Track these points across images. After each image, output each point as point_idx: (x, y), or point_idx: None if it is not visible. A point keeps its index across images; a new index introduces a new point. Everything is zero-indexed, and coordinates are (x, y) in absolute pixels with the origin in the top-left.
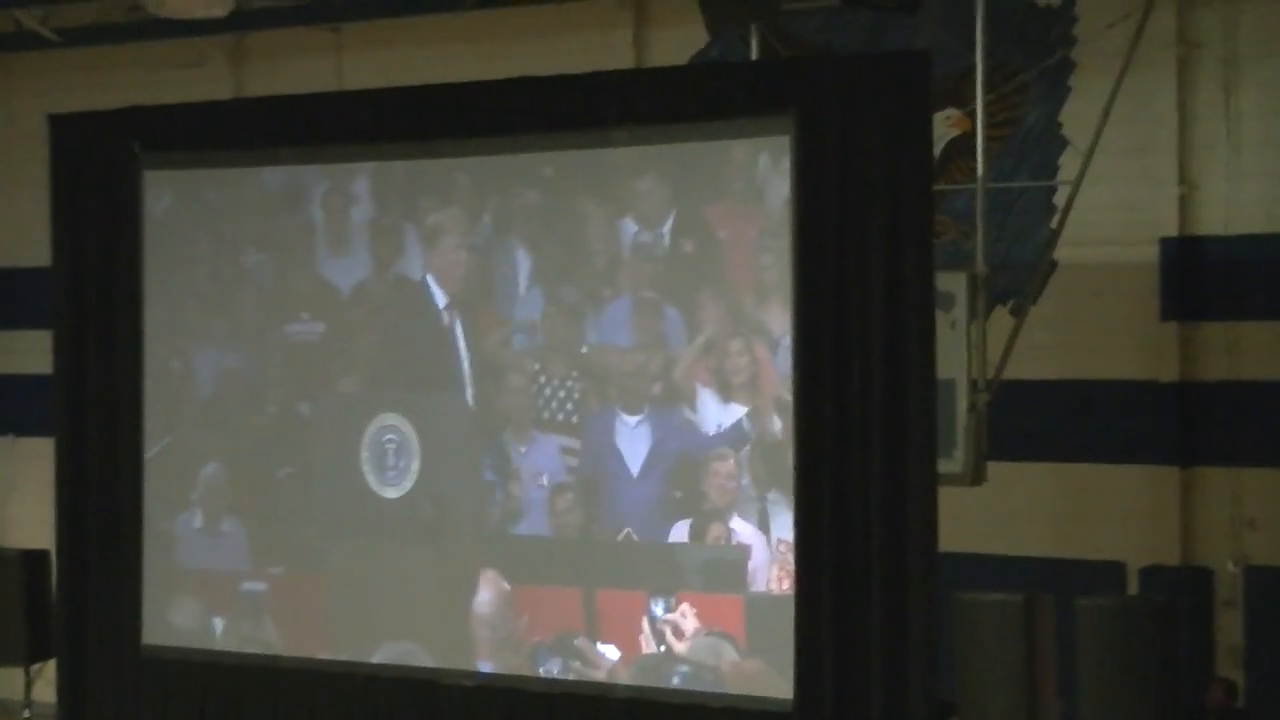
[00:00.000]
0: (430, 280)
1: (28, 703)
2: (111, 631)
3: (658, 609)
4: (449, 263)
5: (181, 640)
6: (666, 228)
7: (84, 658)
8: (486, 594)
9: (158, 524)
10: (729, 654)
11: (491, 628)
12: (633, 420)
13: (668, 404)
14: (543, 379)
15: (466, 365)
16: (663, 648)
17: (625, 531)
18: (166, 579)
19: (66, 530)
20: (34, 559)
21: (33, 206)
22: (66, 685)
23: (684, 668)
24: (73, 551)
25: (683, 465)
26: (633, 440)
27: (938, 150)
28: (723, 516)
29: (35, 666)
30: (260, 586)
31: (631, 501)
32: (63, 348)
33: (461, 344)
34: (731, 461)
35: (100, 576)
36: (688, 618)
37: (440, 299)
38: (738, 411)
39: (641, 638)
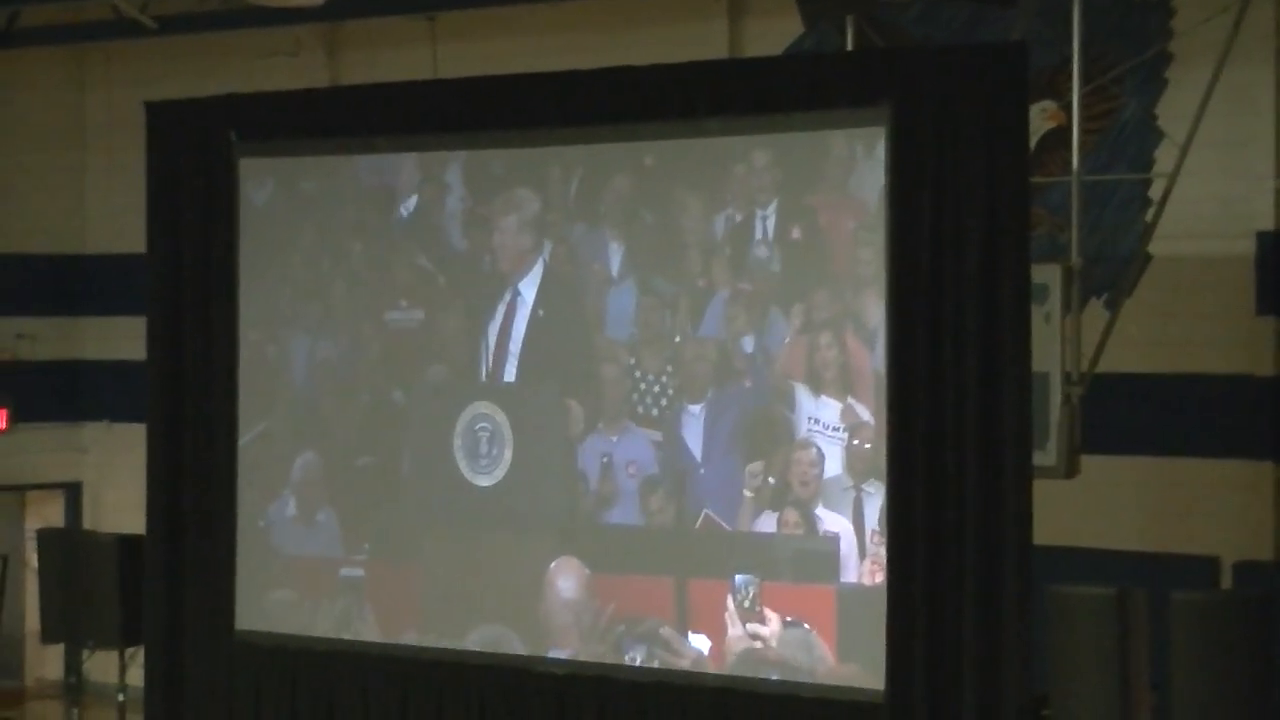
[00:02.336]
0: (523, 270)
1: (122, 686)
2: (205, 617)
3: (747, 599)
4: (543, 252)
5: (274, 626)
6: (762, 219)
7: (177, 643)
8: (575, 582)
9: (251, 510)
10: (819, 645)
11: (580, 616)
12: (726, 412)
13: (761, 395)
14: (637, 372)
15: (559, 355)
16: (753, 638)
17: (716, 522)
18: (260, 565)
19: (160, 516)
20: (128, 544)
21: (130, 194)
22: (158, 670)
23: (774, 658)
24: (166, 537)
25: (776, 456)
26: (725, 432)
27: (1033, 143)
28: (815, 507)
29: (130, 651)
30: (357, 573)
31: (722, 492)
32: (158, 334)
33: (554, 334)
34: (825, 452)
35: (194, 562)
36: (778, 608)
37: (533, 289)
38: (832, 403)
39: (731, 628)
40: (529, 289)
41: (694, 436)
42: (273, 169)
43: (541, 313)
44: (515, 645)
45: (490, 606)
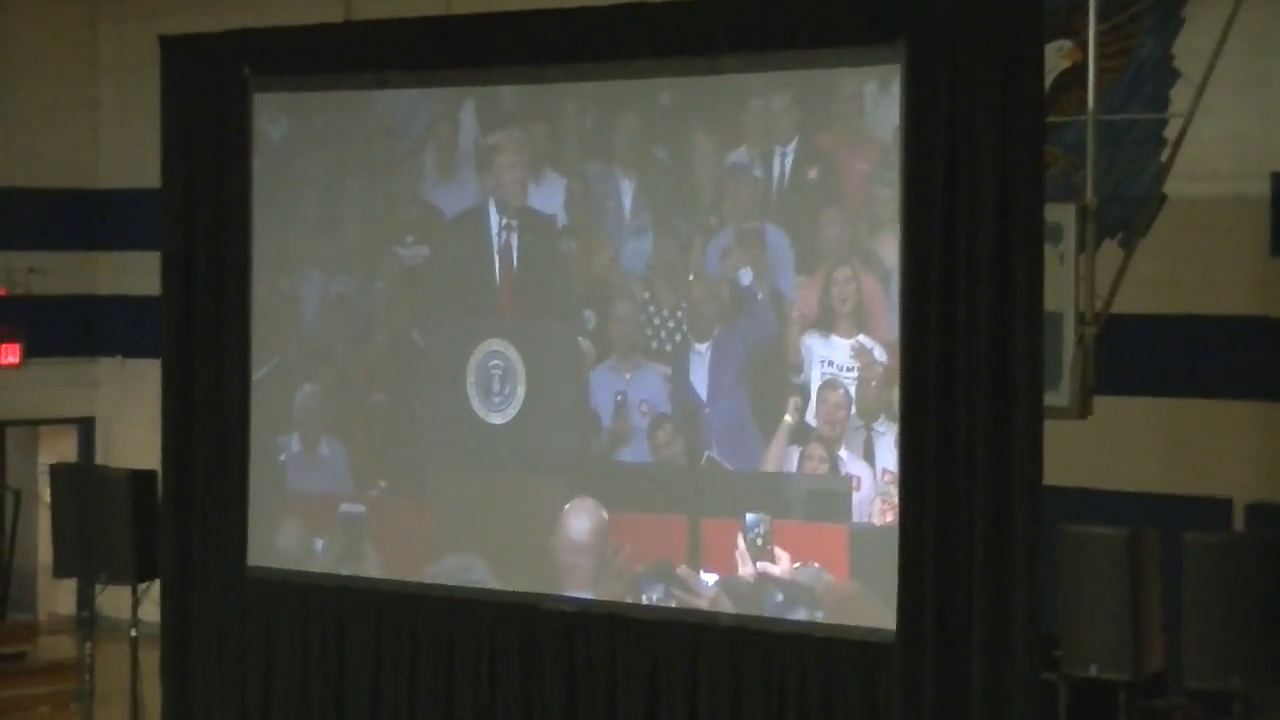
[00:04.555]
0: (536, 207)
1: (135, 621)
2: (218, 552)
3: (761, 538)
4: (556, 189)
5: (286, 562)
6: (780, 157)
7: (190, 578)
8: (588, 521)
9: (263, 446)
10: (831, 584)
11: (592, 555)
12: (739, 349)
13: (775, 333)
14: (651, 308)
15: (572, 292)
16: (766, 577)
17: (728, 461)
18: (272, 501)
19: (173, 451)
20: (141, 479)
21: (143, 128)
22: (171, 605)
23: (786, 597)
24: (179, 473)
25: (788, 394)
26: (738, 369)
27: (1049, 82)
28: (828, 446)
29: (142, 586)
30: (359, 509)
31: (735, 430)
32: (172, 269)
33: (567, 271)
34: (839, 391)
35: (207, 498)
36: (791, 547)
37: (546, 226)
38: (843, 342)
39: (744, 567)
40: (543, 226)
41: (700, 376)
42: (287, 104)
43: (555, 250)
44: (527, 583)
45: (501, 544)
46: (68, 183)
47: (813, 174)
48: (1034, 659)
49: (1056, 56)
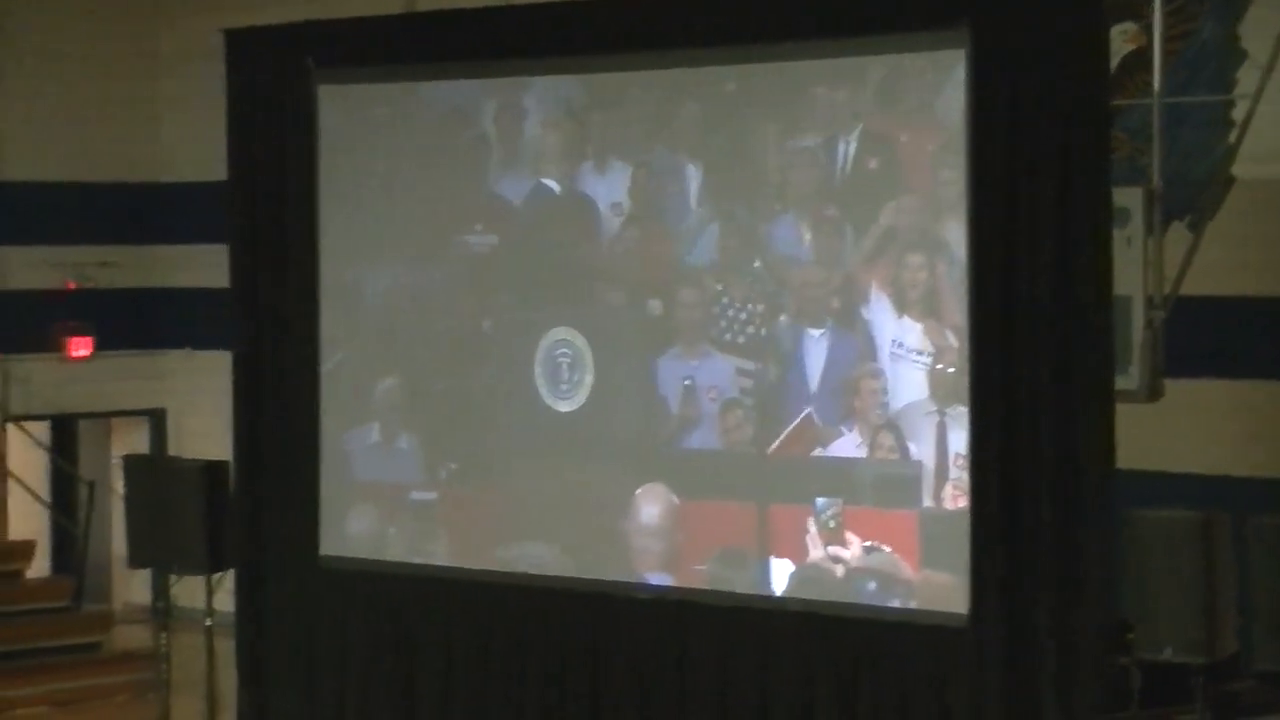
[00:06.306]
0: (601, 195)
1: (209, 611)
2: (290, 542)
3: (833, 520)
4: (620, 177)
5: (358, 551)
6: (844, 143)
7: (262, 568)
8: (657, 508)
9: (334, 436)
10: (902, 570)
11: (664, 539)
12: (807, 335)
13: (843, 319)
14: (718, 295)
15: (638, 280)
16: (834, 561)
17: (796, 445)
18: (343, 491)
19: (245, 442)
20: (214, 470)
21: (206, 121)
22: (245, 595)
23: (856, 583)
24: (251, 463)
25: (857, 379)
26: (807, 355)
27: (1113, 65)
28: (898, 431)
29: (216, 576)
30: (430, 496)
31: (805, 416)
32: (239, 261)
33: (632, 258)
34: (910, 376)
35: (278, 488)
36: (862, 532)
37: (611, 213)
38: (915, 326)
39: (815, 551)
40: (608, 213)
41: (778, 361)
42: (350, 95)
43: (620, 237)
44: (597, 570)
45: (572, 530)
46: (133, 176)
47: (877, 160)
48: (1107, 643)
49: (1120, 40)
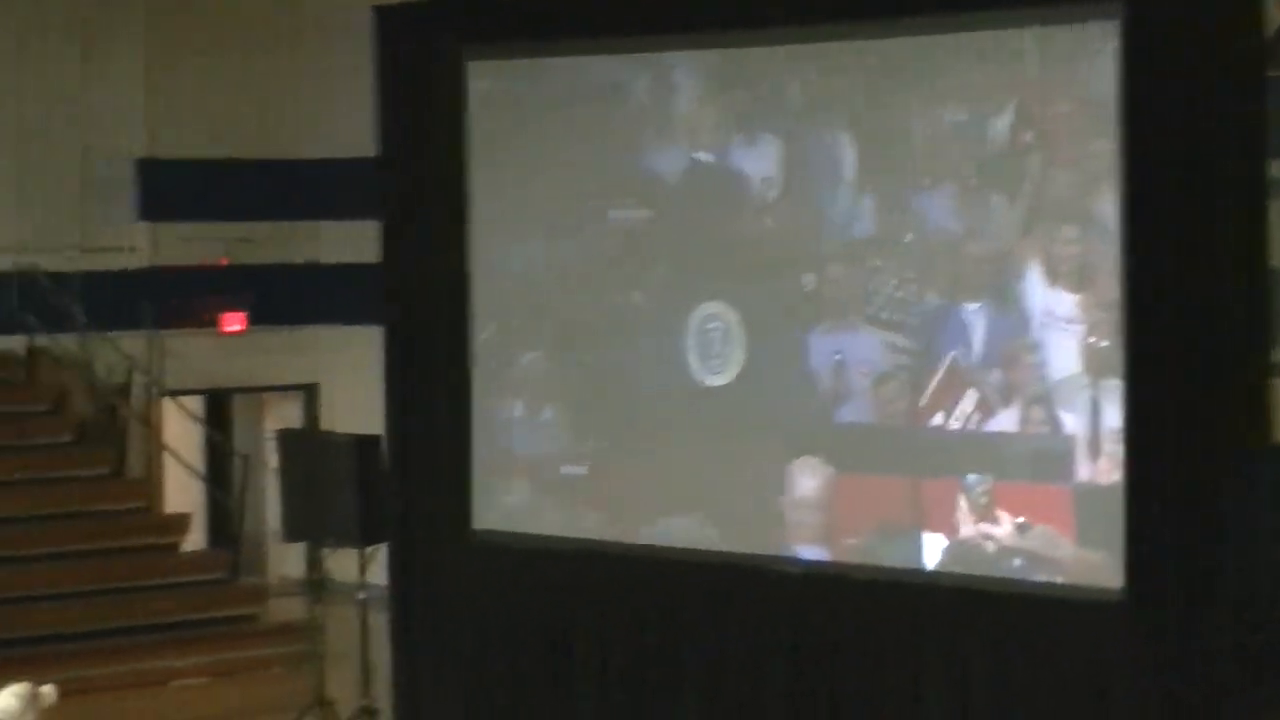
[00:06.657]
0: (752, 169)
1: (362, 584)
2: (443, 516)
3: (985, 496)
4: (771, 151)
5: (510, 525)
6: (994, 115)
7: (415, 541)
8: (811, 481)
9: (485, 410)
10: (1056, 544)
11: (819, 511)
12: (963, 309)
13: (997, 293)
14: (872, 270)
15: (788, 254)
16: (988, 538)
17: (952, 420)
18: (495, 464)
19: (397, 416)
20: (366, 444)
21: (355, 98)
22: (398, 569)
23: (1010, 558)
24: (403, 437)
25: (1011, 353)
26: (962, 329)
27: (1269, 34)
28: (1052, 405)
29: (369, 549)
30: (580, 470)
31: (957, 390)
32: (391, 237)
33: (783, 233)
34: (1063, 350)
35: (430, 462)
36: (1014, 507)
37: (762, 188)
38: (1069, 299)
39: (966, 527)
40: (759, 187)
41: (930, 335)
42: (500, 71)
43: (771, 211)
44: (750, 544)
45: (723, 504)
46: (282, 153)
47: (1030, 132)
48: (1263, 618)
49: (1276, 9)
